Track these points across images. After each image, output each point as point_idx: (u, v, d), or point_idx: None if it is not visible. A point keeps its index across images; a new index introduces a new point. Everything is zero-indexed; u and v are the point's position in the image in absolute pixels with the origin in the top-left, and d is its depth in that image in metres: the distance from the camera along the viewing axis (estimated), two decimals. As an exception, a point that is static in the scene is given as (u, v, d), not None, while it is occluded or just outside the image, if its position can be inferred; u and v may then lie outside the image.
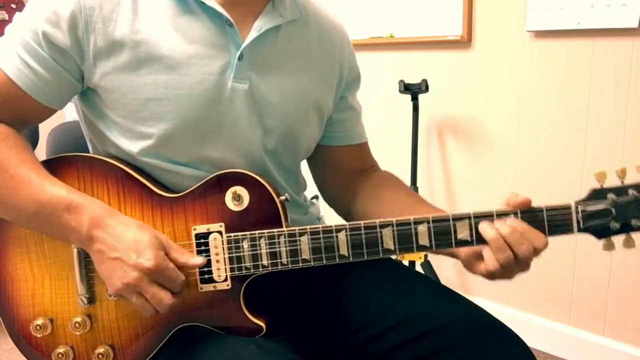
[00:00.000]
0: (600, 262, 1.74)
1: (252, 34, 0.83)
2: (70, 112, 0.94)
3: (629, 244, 0.75)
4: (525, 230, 0.73)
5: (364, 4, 2.11)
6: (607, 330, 1.78)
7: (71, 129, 1.08)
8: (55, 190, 0.76)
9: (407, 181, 1.99)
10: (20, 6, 2.87)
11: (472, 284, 2.08)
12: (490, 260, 0.74)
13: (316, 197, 1.07)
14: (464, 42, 1.88)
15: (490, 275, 0.76)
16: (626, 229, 0.74)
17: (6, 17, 2.84)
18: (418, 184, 2.00)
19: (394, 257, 0.82)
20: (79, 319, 0.81)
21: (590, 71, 1.66)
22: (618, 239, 0.75)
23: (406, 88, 1.93)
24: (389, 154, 2.11)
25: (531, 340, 0.87)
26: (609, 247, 0.76)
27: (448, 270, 2.09)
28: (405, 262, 1.92)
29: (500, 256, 0.73)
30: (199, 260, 0.77)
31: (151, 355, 0.82)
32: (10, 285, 0.84)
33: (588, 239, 0.75)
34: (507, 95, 1.84)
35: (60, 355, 0.82)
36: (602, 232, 0.75)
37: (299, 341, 0.86)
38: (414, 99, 1.93)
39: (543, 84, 1.76)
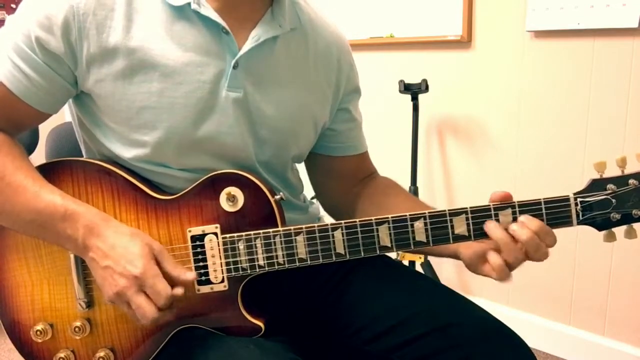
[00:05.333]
0: (600, 262, 1.74)
1: (249, 43, 0.81)
2: (70, 112, 0.93)
3: (630, 234, 0.73)
4: (542, 232, 0.72)
5: (364, 4, 2.11)
6: (607, 330, 1.78)
7: (71, 129, 1.07)
8: (51, 198, 0.76)
9: (407, 181, 1.98)
10: (20, 6, 2.86)
11: (472, 284, 2.07)
12: (497, 261, 0.74)
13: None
14: (464, 42, 1.88)
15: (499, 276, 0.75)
16: (627, 219, 0.72)
17: (6, 17, 2.84)
18: (418, 184, 1.99)
19: (393, 256, 0.82)
20: (78, 324, 0.81)
21: (590, 71, 1.66)
22: (619, 230, 0.73)
23: (406, 88, 1.93)
24: (389, 154, 2.11)
25: (531, 340, 0.87)
26: (610, 238, 0.74)
27: (448, 270, 2.09)
28: (405, 262, 1.92)
29: (511, 258, 0.73)
30: (191, 275, 0.76)
31: (152, 358, 0.82)
32: (9, 292, 0.84)
33: (588, 239, 0.75)
34: (507, 95, 1.84)
35: (61, 359, 0.82)
36: (602, 224, 0.73)
37: (299, 341, 0.86)
38: (414, 99, 1.93)
39: (543, 84, 1.76)
